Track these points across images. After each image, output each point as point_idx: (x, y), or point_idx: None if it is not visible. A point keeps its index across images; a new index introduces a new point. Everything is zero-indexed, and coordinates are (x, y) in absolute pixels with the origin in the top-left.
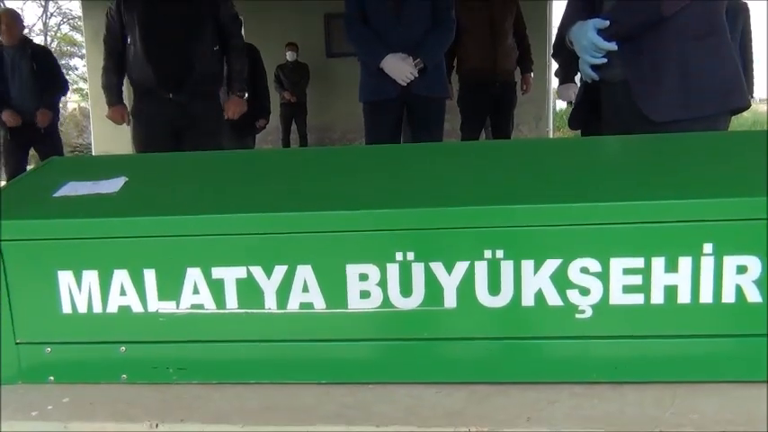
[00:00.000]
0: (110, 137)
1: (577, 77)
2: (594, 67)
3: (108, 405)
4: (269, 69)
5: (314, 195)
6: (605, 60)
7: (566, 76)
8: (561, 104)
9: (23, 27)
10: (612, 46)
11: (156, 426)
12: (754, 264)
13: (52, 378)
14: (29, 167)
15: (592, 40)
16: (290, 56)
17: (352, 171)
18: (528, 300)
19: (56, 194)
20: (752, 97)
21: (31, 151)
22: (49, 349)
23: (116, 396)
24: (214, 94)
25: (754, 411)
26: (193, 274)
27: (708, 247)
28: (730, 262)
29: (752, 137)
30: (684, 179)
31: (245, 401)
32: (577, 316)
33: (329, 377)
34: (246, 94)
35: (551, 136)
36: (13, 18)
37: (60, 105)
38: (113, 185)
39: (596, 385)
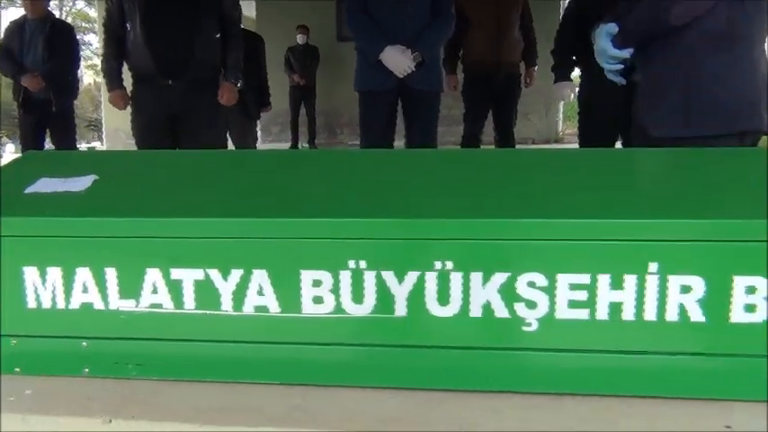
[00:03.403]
0: (120, 113)
1: (574, 74)
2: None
3: (68, 399)
4: (279, 51)
5: (273, 201)
6: (620, 67)
7: (561, 74)
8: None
9: (48, 1)
10: (622, 53)
11: (110, 421)
12: (698, 284)
13: (18, 369)
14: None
15: (603, 47)
16: (300, 38)
17: (315, 177)
18: (476, 311)
19: (27, 191)
20: None
21: None
22: (15, 341)
23: (77, 390)
24: (214, 81)
25: (687, 428)
26: (153, 275)
27: (653, 266)
28: (675, 281)
29: (732, 155)
30: (637, 198)
31: (198, 399)
32: (524, 328)
33: (282, 378)
34: (240, 83)
35: (561, 126)
36: None
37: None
38: (82, 183)
39: (538, 396)
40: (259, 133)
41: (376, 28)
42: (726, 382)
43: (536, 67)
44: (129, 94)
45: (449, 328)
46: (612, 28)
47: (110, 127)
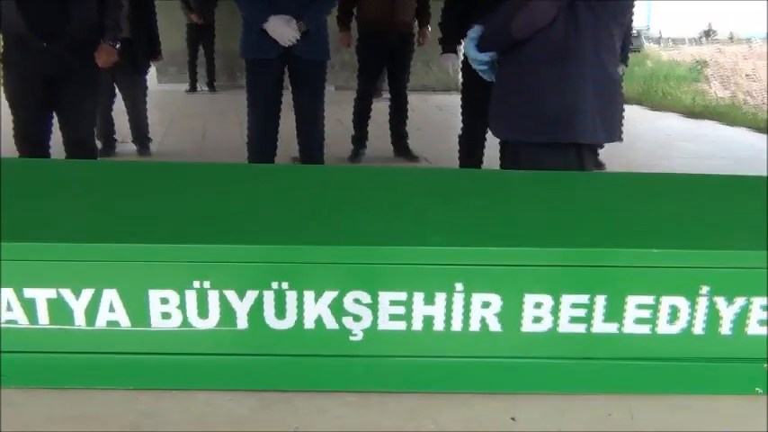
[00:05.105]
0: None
1: (460, 48)
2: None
3: None
4: None
5: (124, 225)
6: (485, 68)
7: (446, 47)
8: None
9: None
10: (481, 57)
11: None
12: (496, 300)
13: None
14: None
15: (466, 49)
16: None
17: (169, 198)
18: (309, 324)
19: None
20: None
21: None
22: None
23: None
24: (93, 44)
25: (492, 422)
26: (6, 294)
27: (459, 286)
28: (477, 298)
29: (547, 180)
30: (451, 225)
31: (52, 408)
32: (351, 338)
33: (133, 385)
34: (119, 44)
35: (460, 76)
36: None
37: None
38: None
39: (367, 394)
40: (155, 74)
41: None
42: (515, 379)
43: (429, 27)
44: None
45: (285, 338)
46: (476, 32)
47: None
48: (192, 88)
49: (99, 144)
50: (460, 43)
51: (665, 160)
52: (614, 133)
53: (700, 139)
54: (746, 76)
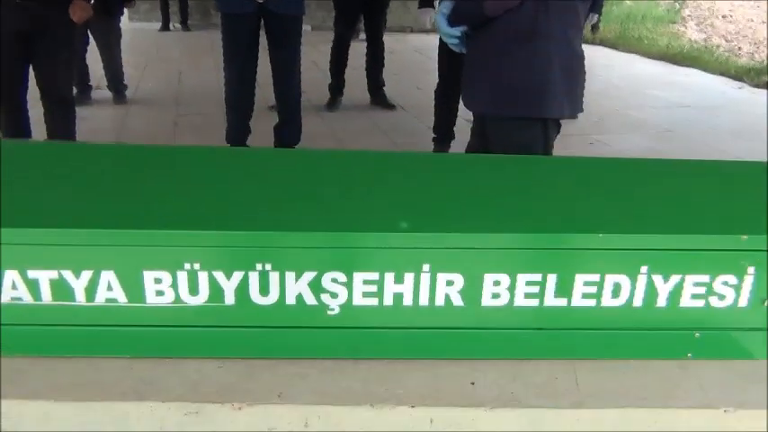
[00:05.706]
0: None
1: (437, 2)
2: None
3: None
4: None
5: (118, 209)
6: (456, 42)
7: (423, 1)
8: None
9: None
10: (452, 31)
11: None
12: (458, 279)
13: None
14: None
15: (437, 23)
16: None
17: (162, 183)
18: (291, 300)
19: None
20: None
21: None
22: None
23: None
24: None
25: (454, 387)
26: (11, 275)
27: (426, 267)
28: (442, 277)
29: (506, 164)
30: (420, 209)
31: (56, 375)
32: (328, 312)
33: (133, 353)
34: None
35: None
36: None
37: None
38: None
39: (343, 361)
40: (126, 13)
41: None
42: (475, 347)
43: None
44: None
45: (269, 313)
46: (447, 7)
47: None
48: (165, 27)
49: (74, 90)
50: None
51: (634, 110)
52: (577, 107)
53: (672, 86)
54: (723, 17)
